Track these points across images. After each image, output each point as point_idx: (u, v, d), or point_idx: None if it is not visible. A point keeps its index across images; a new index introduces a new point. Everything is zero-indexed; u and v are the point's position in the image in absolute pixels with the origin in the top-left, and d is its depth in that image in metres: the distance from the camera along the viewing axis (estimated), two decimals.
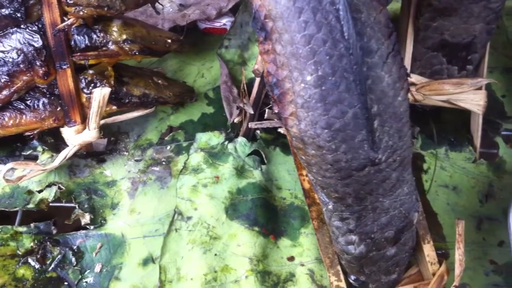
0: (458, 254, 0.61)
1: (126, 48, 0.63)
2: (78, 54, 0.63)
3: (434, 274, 0.61)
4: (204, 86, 0.77)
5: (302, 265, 0.65)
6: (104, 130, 0.71)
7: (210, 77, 0.77)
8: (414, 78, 0.73)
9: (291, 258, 0.66)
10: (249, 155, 0.71)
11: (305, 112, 0.47)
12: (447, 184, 0.74)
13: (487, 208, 0.72)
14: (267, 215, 0.67)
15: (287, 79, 0.48)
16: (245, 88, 0.72)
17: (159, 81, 0.69)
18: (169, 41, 0.66)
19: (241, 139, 0.71)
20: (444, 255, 0.69)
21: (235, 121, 0.71)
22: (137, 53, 0.64)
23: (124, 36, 0.63)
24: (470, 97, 0.74)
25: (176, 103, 0.72)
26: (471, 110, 0.75)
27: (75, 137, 0.66)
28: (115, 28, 0.63)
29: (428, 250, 0.61)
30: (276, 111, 0.50)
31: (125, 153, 0.72)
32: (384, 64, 0.46)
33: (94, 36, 0.63)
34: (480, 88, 0.74)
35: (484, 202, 0.73)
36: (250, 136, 0.73)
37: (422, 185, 0.73)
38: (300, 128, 0.48)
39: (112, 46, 0.63)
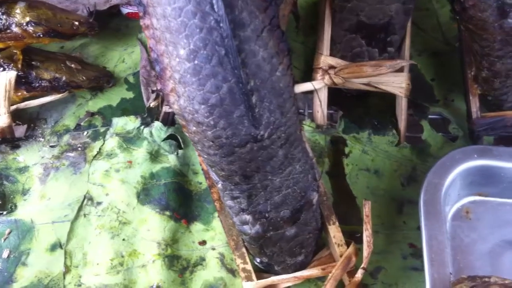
0: (366, 236, 0.60)
1: (30, 31, 0.62)
2: None
3: (342, 256, 0.60)
4: (125, 71, 0.76)
5: (213, 249, 0.65)
6: (22, 116, 0.70)
7: (131, 62, 0.76)
8: (333, 61, 0.73)
9: (202, 242, 0.65)
10: (166, 139, 0.70)
11: (182, 88, 0.46)
12: (369, 168, 0.73)
13: (409, 191, 0.71)
14: (180, 200, 0.66)
15: (165, 54, 0.47)
16: None
17: (72, 65, 0.68)
18: (77, 23, 0.65)
19: (157, 124, 0.70)
20: (361, 239, 0.68)
21: (151, 105, 0.71)
22: (41, 36, 0.63)
23: (28, 19, 0.62)
24: (392, 79, 0.73)
25: (92, 87, 0.71)
26: (394, 93, 0.74)
27: None
28: (18, 11, 0.62)
29: (334, 232, 0.61)
30: (159, 87, 0.49)
31: (41, 139, 0.71)
32: (258, 38, 0.45)
33: None
34: (402, 71, 0.74)
35: (406, 185, 0.72)
36: (170, 120, 0.73)
37: (343, 169, 0.72)
38: (180, 104, 0.47)
39: (15, 29, 0.62)
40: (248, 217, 0.54)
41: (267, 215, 0.54)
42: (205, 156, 0.50)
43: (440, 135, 0.76)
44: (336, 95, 0.78)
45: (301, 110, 0.78)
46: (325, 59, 0.73)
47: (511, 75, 0.67)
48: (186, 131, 0.49)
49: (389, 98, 0.77)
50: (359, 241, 0.67)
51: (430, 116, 0.78)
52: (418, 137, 0.76)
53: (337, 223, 0.61)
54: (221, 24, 0.44)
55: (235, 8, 0.44)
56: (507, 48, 0.63)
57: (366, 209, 0.60)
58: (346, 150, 0.74)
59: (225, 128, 0.47)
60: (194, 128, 0.48)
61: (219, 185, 0.52)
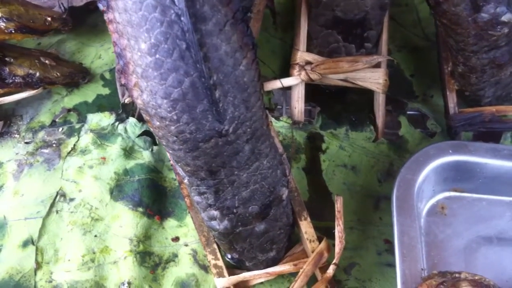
0: (338, 231, 0.60)
1: (2, 27, 0.62)
2: None
3: (313, 252, 0.60)
4: (101, 67, 0.76)
5: (186, 245, 0.64)
6: None
7: (107, 58, 0.76)
8: (309, 56, 0.72)
9: (175, 239, 0.65)
10: (140, 135, 0.70)
11: (145, 82, 0.46)
12: (346, 164, 0.73)
13: (386, 187, 0.71)
14: (154, 196, 0.66)
15: (127, 48, 0.46)
16: None
17: (46, 61, 0.68)
18: (49, 19, 0.65)
19: (131, 120, 0.70)
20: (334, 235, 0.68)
21: (126, 101, 0.70)
22: (13, 32, 0.62)
23: None
24: (369, 75, 0.73)
25: (66, 83, 0.71)
26: (371, 89, 0.74)
27: None
28: None
29: (306, 227, 0.61)
30: (123, 82, 0.49)
31: (16, 135, 0.71)
32: (220, 32, 0.45)
33: None
34: (379, 66, 0.73)
35: (383, 181, 0.72)
36: None
37: (319, 165, 0.72)
38: (143, 99, 0.47)
39: None
40: (215, 213, 0.53)
41: (235, 210, 0.53)
42: (171, 152, 0.50)
43: (418, 131, 0.76)
44: (315, 91, 0.78)
45: (279, 106, 0.78)
46: (302, 55, 0.72)
47: (487, 70, 0.66)
48: (151, 126, 0.49)
49: (368, 94, 0.76)
50: (334, 237, 0.67)
51: (408, 112, 0.78)
52: (396, 133, 0.76)
53: (308, 219, 0.60)
54: (182, 18, 0.43)
55: (196, 2, 0.44)
56: (481, 43, 0.63)
57: (338, 205, 0.60)
58: (323, 146, 0.73)
59: (188, 123, 0.46)
60: (158, 123, 0.48)
61: (186, 181, 0.52)
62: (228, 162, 0.50)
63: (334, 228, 0.67)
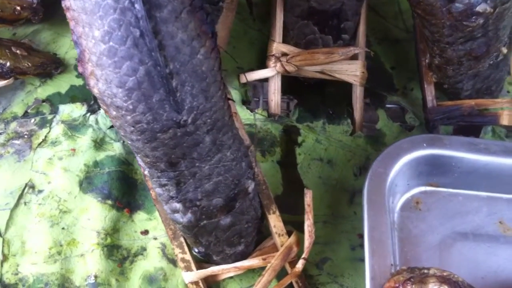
0: (307, 225, 0.59)
1: None
2: None
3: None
4: (75, 57, 0.75)
5: (155, 238, 0.63)
6: None
7: None
8: (285, 48, 0.71)
9: (145, 232, 0.64)
10: (112, 127, 0.69)
11: (100, 70, 0.45)
12: (321, 157, 0.71)
13: (361, 181, 0.69)
14: (123, 189, 0.65)
15: (83, 36, 0.46)
16: None
17: (18, 51, 0.67)
18: (19, 8, 0.64)
19: (103, 111, 0.69)
20: None
21: None
22: None
23: None
24: (345, 67, 0.72)
25: (38, 74, 0.70)
26: (348, 81, 0.73)
27: None
28: None
29: (275, 221, 0.60)
30: (80, 71, 0.48)
31: None
32: (177, 20, 0.44)
33: None
34: (357, 58, 0.72)
35: (359, 175, 0.71)
36: None
37: (295, 158, 0.71)
38: (99, 87, 0.46)
39: None
40: (178, 205, 0.52)
41: (198, 203, 0.52)
42: (130, 143, 0.49)
43: (396, 124, 0.75)
44: (293, 83, 0.77)
45: (255, 99, 0.77)
46: (278, 46, 0.71)
47: (464, 62, 0.65)
48: (109, 117, 0.48)
49: (346, 87, 0.75)
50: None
51: (387, 106, 0.77)
52: (374, 126, 0.75)
53: (277, 212, 0.59)
54: (136, 5, 0.42)
55: None
56: (457, 34, 0.61)
57: (308, 198, 0.59)
58: (299, 139, 0.72)
59: (145, 113, 0.45)
60: (114, 113, 0.47)
61: (146, 172, 0.51)
62: (188, 153, 0.49)
63: None
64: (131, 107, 0.45)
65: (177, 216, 0.53)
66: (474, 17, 0.59)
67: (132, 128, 0.47)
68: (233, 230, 0.57)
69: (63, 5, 0.47)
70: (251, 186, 0.55)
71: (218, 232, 0.56)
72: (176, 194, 0.51)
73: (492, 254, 0.64)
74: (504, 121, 0.70)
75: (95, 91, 0.47)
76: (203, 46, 0.46)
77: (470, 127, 0.73)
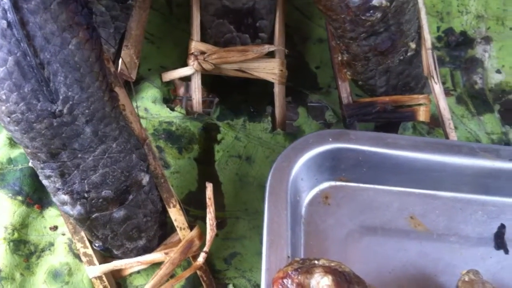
0: (209, 219, 0.59)
1: None
2: None
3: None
4: None
5: (64, 234, 0.64)
6: None
7: None
8: (203, 46, 0.72)
9: (54, 228, 0.64)
10: None
11: None
12: (240, 155, 0.72)
13: None
14: (35, 185, 0.66)
15: None
16: None
17: None
18: None
19: None
20: (221, 224, 0.67)
21: None
22: None
23: None
24: (263, 65, 0.73)
25: None
26: (266, 79, 0.73)
27: None
28: None
29: (175, 215, 0.60)
30: None
31: None
32: (45, 11, 0.45)
33: None
34: (273, 56, 0.73)
35: None
36: None
37: (213, 155, 0.72)
38: None
39: None
40: (65, 197, 0.53)
41: (86, 195, 0.53)
42: (11, 134, 0.50)
43: (315, 122, 0.75)
44: (218, 82, 0.78)
45: (178, 98, 0.77)
46: (196, 44, 0.72)
47: (371, 57, 0.66)
48: None
49: (270, 86, 0.76)
50: (219, 226, 0.67)
51: (310, 104, 0.77)
52: (293, 123, 0.75)
53: (178, 206, 0.59)
54: None
55: None
56: (358, 29, 0.62)
57: (208, 192, 0.59)
58: (219, 137, 0.73)
59: (18, 103, 0.46)
60: None
61: (30, 164, 0.52)
62: (68, 144, 0.49)
63: (219, 218, 0.67)
64: (4, 97, 0.46)
65: (67, 208, 0.54)
66: (371, 11, 0.60)
67: (8, 119, 0.47)
68: (130, 223, 0.57)
69: None
70: (144, 178, 0.56)
71: (112, 225, 0.56)
72: (62, 185, 0.52)
73: (402, 249, 0.64)
74: (421, 117, 0.70)
75: None
76: (75, 37, 0.47)
77: (391, 123, 0.73)
